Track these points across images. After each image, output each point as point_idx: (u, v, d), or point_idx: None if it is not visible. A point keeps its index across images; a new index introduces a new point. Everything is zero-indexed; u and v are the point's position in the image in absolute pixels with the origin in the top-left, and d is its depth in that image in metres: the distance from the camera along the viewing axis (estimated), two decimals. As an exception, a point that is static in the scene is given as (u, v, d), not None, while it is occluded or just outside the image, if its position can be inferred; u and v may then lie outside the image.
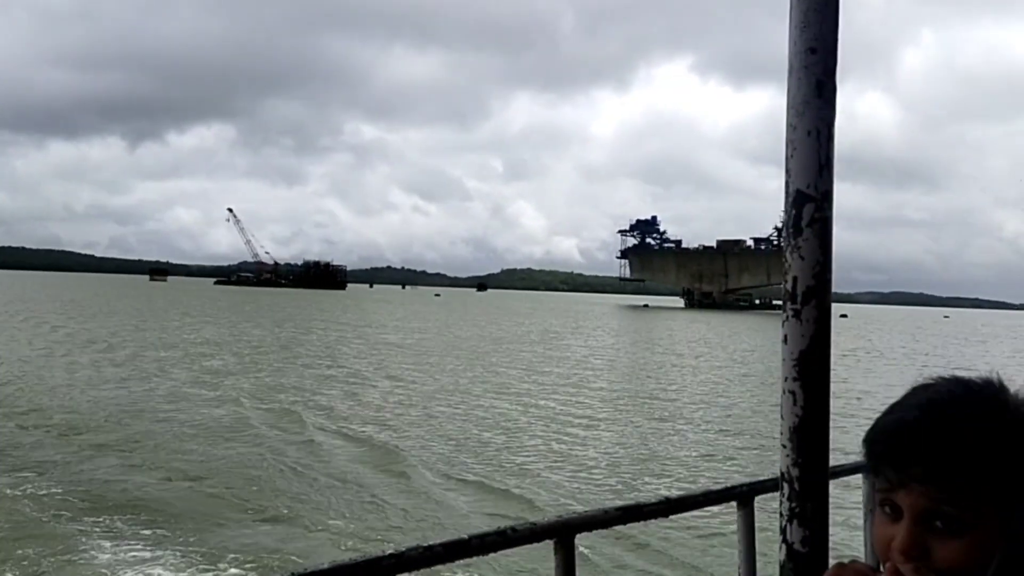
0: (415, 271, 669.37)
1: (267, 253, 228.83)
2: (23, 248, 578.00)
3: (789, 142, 1.31)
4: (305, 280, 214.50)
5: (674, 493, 2.23)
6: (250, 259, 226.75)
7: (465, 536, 1.75)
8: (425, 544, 1.67)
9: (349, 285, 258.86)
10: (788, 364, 1.31)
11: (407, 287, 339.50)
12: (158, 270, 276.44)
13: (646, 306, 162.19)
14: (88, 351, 31.25)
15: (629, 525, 2.11)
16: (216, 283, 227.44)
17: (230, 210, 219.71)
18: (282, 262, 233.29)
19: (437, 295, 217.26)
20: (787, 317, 1.30)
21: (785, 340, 1.31)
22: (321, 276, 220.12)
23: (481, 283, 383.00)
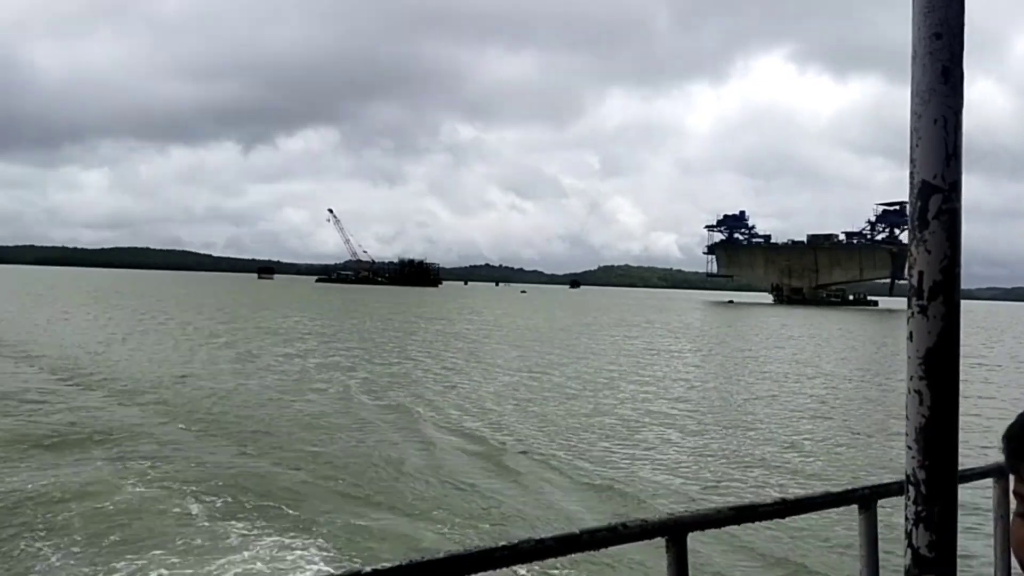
0: (512, 268, 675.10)
1: (365, 252, 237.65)
2: (148, 248, 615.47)
3: (914, 131, 1.17)
4: (400, 278, 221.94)
5: (790, 494, 2.22)
6: (350, 258, 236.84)
7: (576, 531, 1.76)
8: (537, 538, 1.69)
9: (445, 282, 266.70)
10: (913, 362, 1.18)
11: (500, 284, 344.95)
12: (265, 269, 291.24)
13: (730, 302, 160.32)
14: (209, 346, 33.30)
15: (742, 526, 2.12)
16: (317, 281, 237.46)
17: (330, 211, 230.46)
18: (385, 260, 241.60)
19: (523, 292, 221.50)
20: (912, 313, 1.16)
21: (910, 337, 1.18)
22: (415, 273, 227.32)
23: (574, 280, 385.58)
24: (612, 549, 1.84)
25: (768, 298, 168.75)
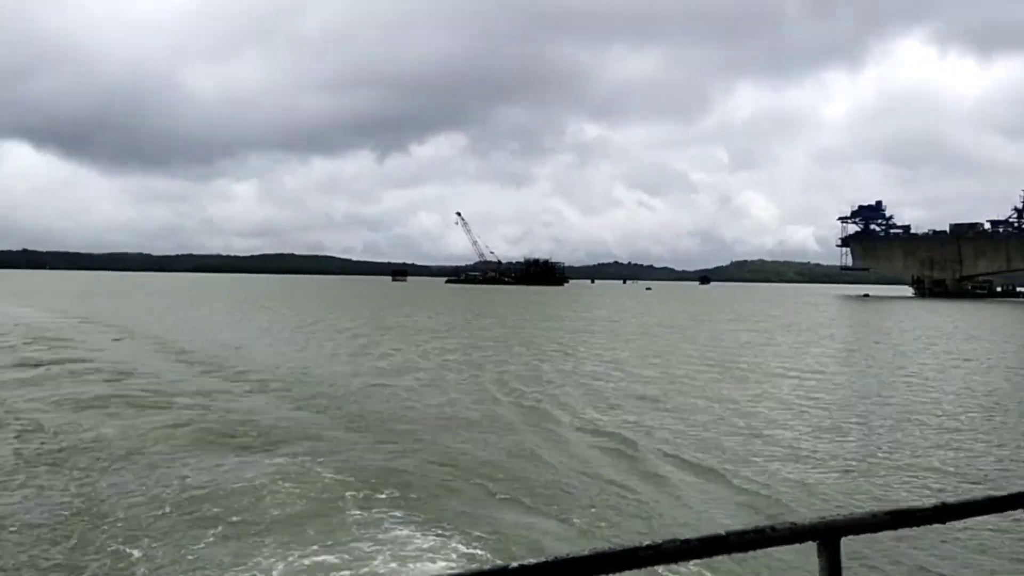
0: (641, 266, 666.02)
1: (492, 253, 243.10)
2: (292, 254, 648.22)
3: None
4: (526, 277, 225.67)
5: (951, 498, 2.11)
6: (479, 259, 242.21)
7: (723, 532, 1.74)
8: (682, 538, 1.68)
9: (571, 281, 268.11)
10: None
11: (627, 282, 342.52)
12: (399, 271, 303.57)
13: (866, 296, 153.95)
14: (350, 344, 35.04)
15: (899, 532, 2.01)
16: (447, 282, 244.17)
17: (458, 214, 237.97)
18: (513, 260, 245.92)
19: (648, 289, 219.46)
20: None
21: None
22: (541, 273, 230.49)
23: (704, 276, 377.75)
24: (759, 552, 1.88)
25: (907, 291, 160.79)
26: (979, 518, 2.24)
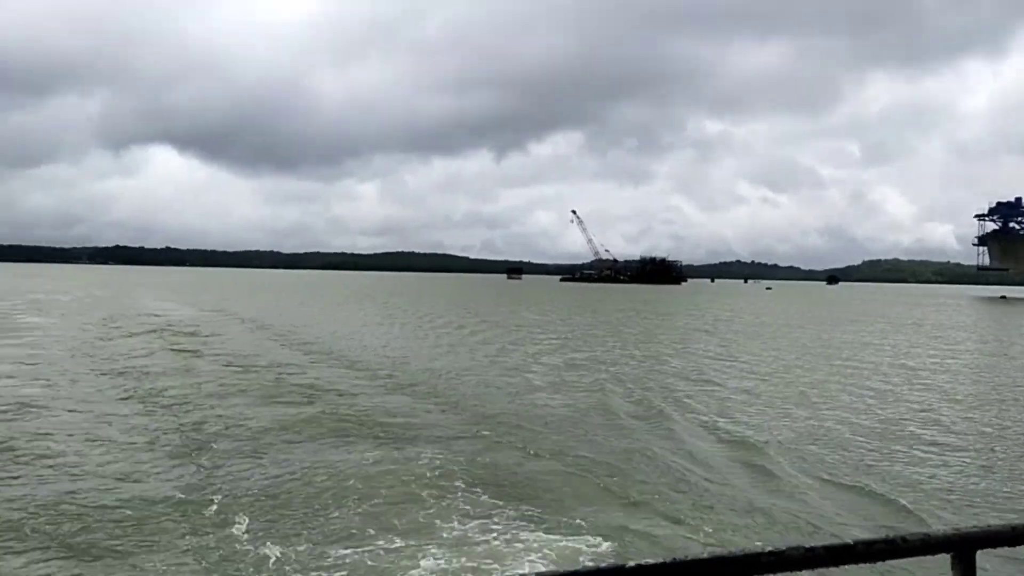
0: (765, 264, 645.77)
1: (607, 251, 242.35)
2: (413, 252, 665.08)
3: None
4: (642, 276, 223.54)
5: None
6: (591, 258, 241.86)
7: (850, 541, 1.69)
8: (807, 546, 1.62)
9: (690, 280, 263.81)
10: None
11: (748, 281, 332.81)
12: (514, 269, 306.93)
13: (1003, 297, 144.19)
14: (467, 341, 35.84)
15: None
16: (561, 280, 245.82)
17: (574, 212, 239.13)
18: (631, 258, 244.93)
19: (768, 288, 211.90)
20: None
21: None
22: (657, 271, 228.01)
23: (832, 276, 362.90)
24: (888, 563, 1.77)
25: None
26: None
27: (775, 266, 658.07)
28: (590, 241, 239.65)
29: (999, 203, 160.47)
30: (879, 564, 1.74)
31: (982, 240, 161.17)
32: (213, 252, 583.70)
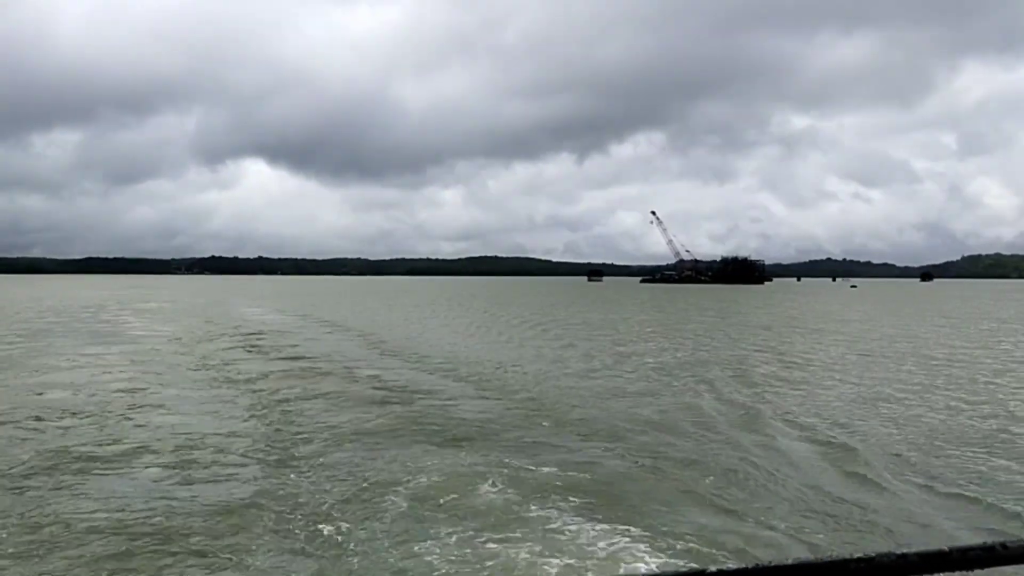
0: (858, 262, 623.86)
1: (687, 252, 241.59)
2: (495, 257, 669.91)
3: None
4: (723, 276, 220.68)
5: None
6: (673, 259, 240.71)
7: (945, 548, 1.58)
8: (898, 552, 1.55)
9: (776, 279, 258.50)
10: None
11: (836, 280, 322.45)
12: (594, 271, 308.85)
13: None
14: (552, 344, 35.57)
15: None
16: (641, 281, 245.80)
17: (653, 213, 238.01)
18: (715, 258, 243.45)
19: (853, 287, 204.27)
20: None
21: None
22: (739, 271, 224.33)
23: (926, 272, 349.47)
24: (986, 571, 1.67)
25: None
26: None
27: (868, 263, 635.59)
28: (670, 242, 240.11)
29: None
30: (977, 572, 1.62)
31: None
32: (303, 260, 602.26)
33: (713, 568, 1.46)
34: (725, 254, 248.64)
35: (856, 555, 1.53)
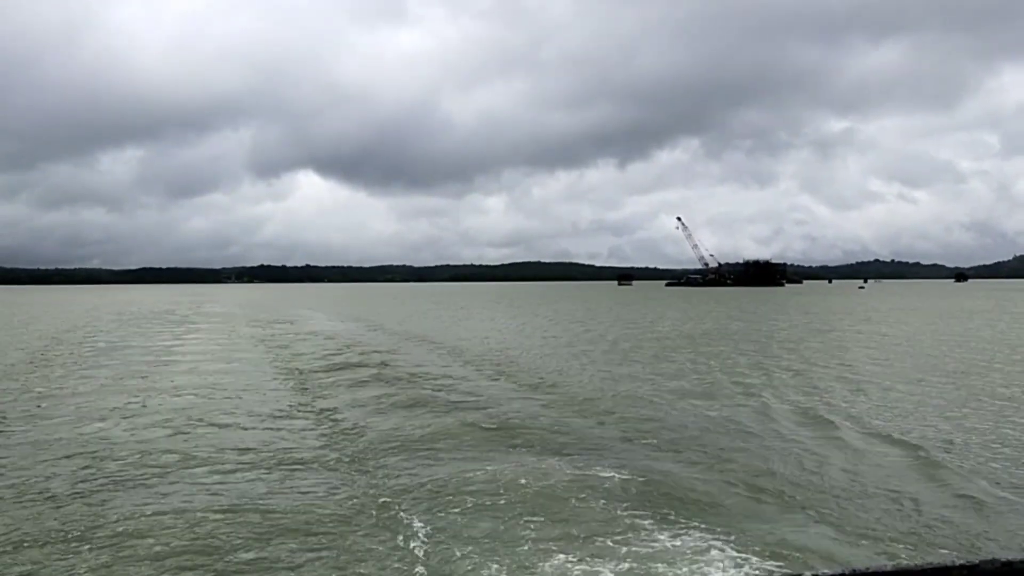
0: (907, 263, 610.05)
1: (711, 256, 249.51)
2: (539, 262, 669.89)
3: None
4: (745, 279, 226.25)
5: None
6: (699, 263, 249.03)
7: None
8: (1004, 559, 1.51)
9: (808, 282, 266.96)
10: None
11: (869, 281, 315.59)
12: (624, 276, 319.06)
13: None
14: (595, 345, 36.45)
15: None
16: (667, 285, 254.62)
17: (679, 219, 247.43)
18: (743, 260, 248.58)
19: (861, 287, 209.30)
20: None
21: None
22: (760, 274, 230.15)
23: (960, 274, 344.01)
24: None
25: None
26: None
27: (918, 264, 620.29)
28: (695, 247, 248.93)
29: None
30: None
31: None
32: (350, 268, 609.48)
33: (808, 574, 1.44)
34: (770, 257, 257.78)
35: (959, 562, 1.48)
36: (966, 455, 13.71)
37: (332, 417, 17.57)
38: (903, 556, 8.73)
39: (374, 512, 10.39)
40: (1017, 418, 17.18)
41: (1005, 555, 1.52)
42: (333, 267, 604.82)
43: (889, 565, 1.47)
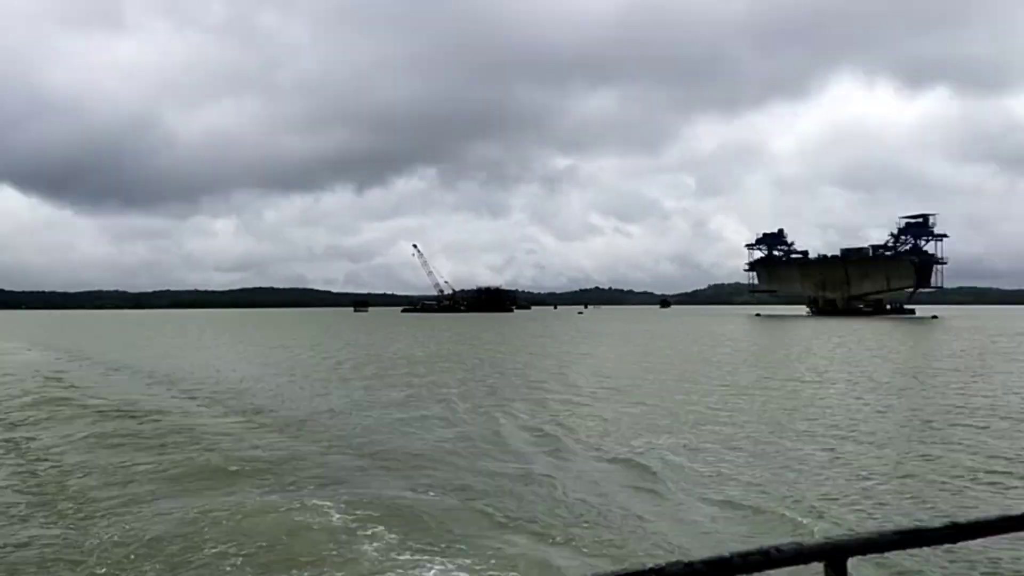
0: (622, 291, 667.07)
1: (446, 283, 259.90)
2: (272, 288, 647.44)
3: None
4: (477, 305, 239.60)
5: (962, 517, 2.08)
6: (434, 290, 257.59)
7: (727, 554, 1.69)
8: (686, 560, 1.64)
9: (536, 307, 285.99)
10: None
11: (588, 307, 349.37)
12: (360, 302, 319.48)
13: (757, 315, 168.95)
14: (331, 377, 35.87)
15: (909, 552, 2.14)
16: (403, 311, 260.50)
17: (415, 246, 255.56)
18: (477, 287, 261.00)
19: (580, 312, 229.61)
20: None
21: None
22: (491, 300, 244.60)
23: (664, 300, 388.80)
24: (764, 574, 1.78)
25: (803, 310, 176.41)
26: (992, 538, 2.19)
27: (631, 291, 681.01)
28: (430, 274, 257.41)
29: (765, 234, 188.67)
30: (755, 575, 1.73)
31: (752, 266, 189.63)
32: (53, 293, 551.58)
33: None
34: (503, 283, 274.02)
35: (649, 565, 1.64)
36: (670, 465, 15.04)
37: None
38: (611, 563, 9.08)
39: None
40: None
41: (688, 556, 1.71)
42: (32, 292, 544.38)
43: (590, 574, 1.73)
